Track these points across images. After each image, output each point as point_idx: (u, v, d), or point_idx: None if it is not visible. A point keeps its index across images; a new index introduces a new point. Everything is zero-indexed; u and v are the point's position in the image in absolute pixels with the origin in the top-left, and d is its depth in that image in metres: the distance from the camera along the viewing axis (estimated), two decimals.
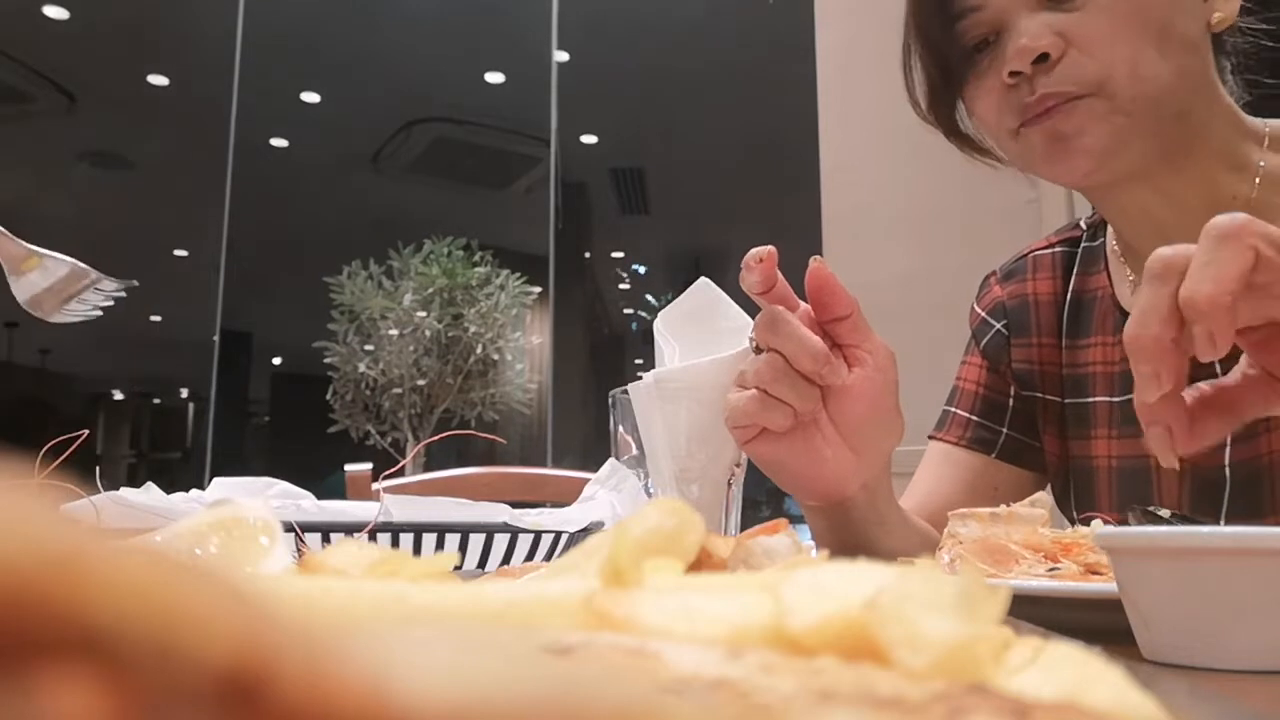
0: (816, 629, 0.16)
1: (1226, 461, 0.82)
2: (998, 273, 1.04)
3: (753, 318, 0.71)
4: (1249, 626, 0.37)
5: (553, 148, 5.98)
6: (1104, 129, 0.77)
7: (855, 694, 0.13)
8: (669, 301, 0.82)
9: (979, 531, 0.58)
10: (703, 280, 0.81)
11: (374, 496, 0.70)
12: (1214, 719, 0.20)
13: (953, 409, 1.01)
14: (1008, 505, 0.60)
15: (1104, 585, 0.44)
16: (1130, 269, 0.92)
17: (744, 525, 0.70)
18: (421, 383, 5.34)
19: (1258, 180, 0.82)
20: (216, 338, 6.04)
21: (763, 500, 4.43)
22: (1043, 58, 0.76)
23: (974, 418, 1.00)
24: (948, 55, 0.84)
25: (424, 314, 5.38)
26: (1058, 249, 1.00)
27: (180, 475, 7.09)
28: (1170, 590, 0.38)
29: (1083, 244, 0.99)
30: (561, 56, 5.94)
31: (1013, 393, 0.99)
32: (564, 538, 0.74)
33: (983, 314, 1.03)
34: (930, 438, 1.02)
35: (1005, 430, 0.98)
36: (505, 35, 6.08)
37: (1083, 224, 1.00)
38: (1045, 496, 0.63)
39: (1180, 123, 0.79)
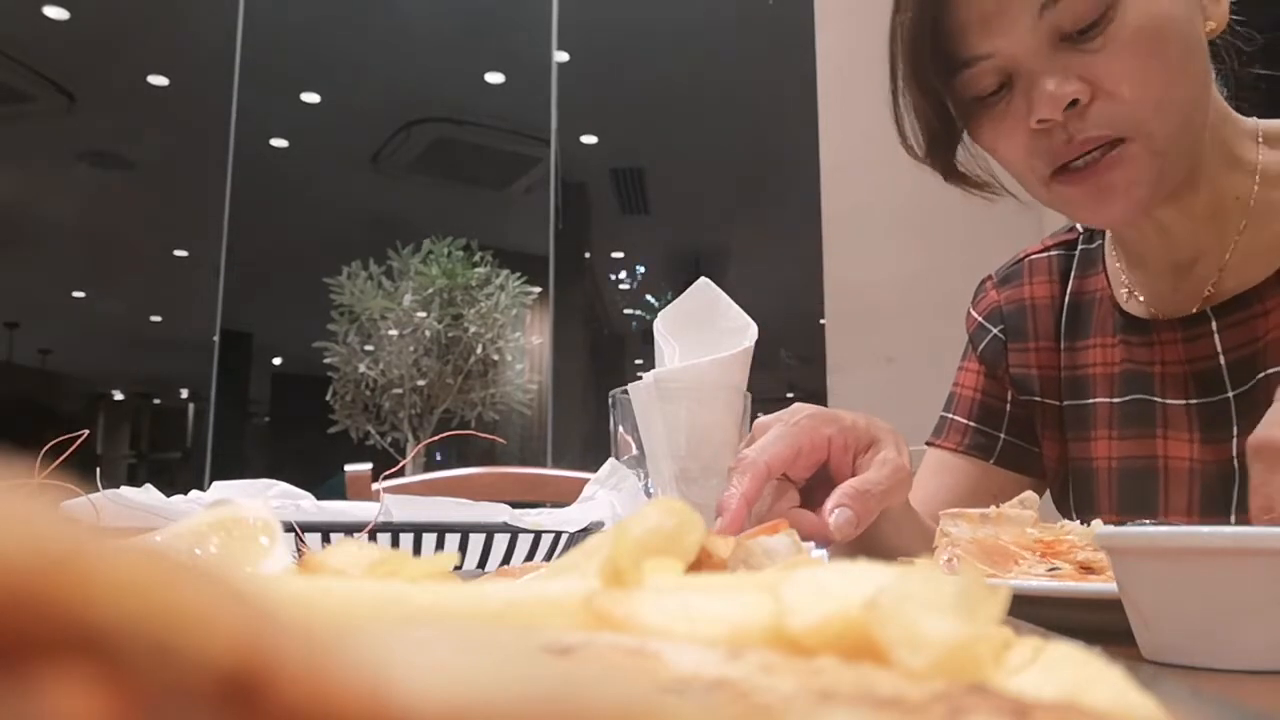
0: (816, 629, 0.16)
1: (1234, 454, 0.82)
2: (993, 277, 1.04)
3: (753, 319, 0.71)
4: (1249, 626, 0.37)
5: (553, 148, 5.97)
6: (1146, 175, 0.76)
7: (855, 694, 0.13)
8: (669, 301, 0.82)
9: (969, 532, 0.58)
10: (703, 280, 0.81)
11: (374, 496, 0.70)
12: (1214, 719, 0.20)
13: (950, 415, 1.01)
14: (997, 506, 0.60)
15: (1104, 585, 0.44)
16: (1126, 274, 0.91)
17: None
18: (421, 383, 5.33)
19: (1256, 178, 0.82)
20: (216, 338, 6.03)
21: None
22: (1072, 103, 0.74)
23: (971, 423, 0.99)
24: (950, 104, 0.81)
25: (424, 314, 5.38)
26: (1053, 252, 1.00)
27: (180, 475, 7.08)
28: (1170, 590, 0.38)
29: (1079, 246, 0.98)
30: (561, 57, 5.93)
31: (1010, 398, 0.99)
32: (564, 538, 0.73)
33: (979, 319, 1.02)
34: (928, 444, 1.01)
35: (1003, 435, 0.98)
36: (505, 35, 6.08)
37: (1079, 226, 1.00)
38: (1033, 496, 0.63)
39: (1200, 138, 0.79)
